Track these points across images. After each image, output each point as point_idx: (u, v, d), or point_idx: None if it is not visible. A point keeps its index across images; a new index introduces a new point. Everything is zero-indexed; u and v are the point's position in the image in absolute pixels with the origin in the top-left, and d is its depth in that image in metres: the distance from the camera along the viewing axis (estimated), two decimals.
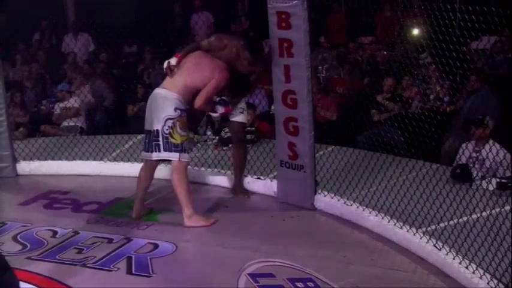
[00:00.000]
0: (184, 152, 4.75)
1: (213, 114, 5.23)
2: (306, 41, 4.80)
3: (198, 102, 4.79)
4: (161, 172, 5.68)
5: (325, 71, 8.40)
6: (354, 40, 8.74)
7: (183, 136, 4.71)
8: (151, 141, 4.75)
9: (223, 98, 5.04)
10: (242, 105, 5.28)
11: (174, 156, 4.69)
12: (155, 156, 4.76)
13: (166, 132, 4.66)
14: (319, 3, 4.88)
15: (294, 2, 4.70)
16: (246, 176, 5.61)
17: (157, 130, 4.69)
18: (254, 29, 9.14)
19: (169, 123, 4.66)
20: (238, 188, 5.46)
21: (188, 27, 10.28)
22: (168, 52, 9.15)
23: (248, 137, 6.53)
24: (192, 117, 5.11)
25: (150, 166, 4.93)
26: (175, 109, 4.69)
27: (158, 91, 4.81)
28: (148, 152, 4.82)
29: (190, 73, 4.81)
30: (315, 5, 4.77)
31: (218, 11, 10.41)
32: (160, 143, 4.69)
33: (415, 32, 7.46)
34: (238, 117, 5.26)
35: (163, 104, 4.70)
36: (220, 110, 5.02)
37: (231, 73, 4.89)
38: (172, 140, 4.68)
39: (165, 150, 4.70)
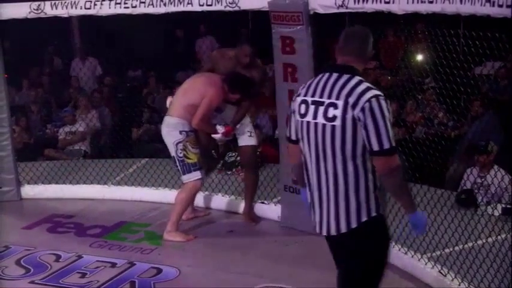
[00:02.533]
0: (199, 170, 4.88)
1: (216, 136, 5.11)
2: (311, 66, 4.82)
3: (194, 120, 4.85)
4: (165, 197, 5.70)
5: None
6: None
7: (197, 154, 4.87)
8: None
9: (225, 122, 5.06)
10: (249, 128, 5.23)
11: (196, 175, 4.87)
12: (184, 179, 4.95)
13: (181, 155, 4.83)
14: (323, 28, 4.89)
15: (299, 27, 4.73)
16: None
17: (173, 157, 4.90)
18: (257, 54, 9.22)
19: (180, 146, 4.83)
20: (247, 213, 5.37)
21: (193, 52, 10.36)
22: (171, 77, 9.30)
23: None
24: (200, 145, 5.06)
25: None
26: (181, 132, 4.85)
27: (164, 119, 5.00)
28: None
29: (184, 93, 4.97)
30: (319, 30, 4.80)
31: (222, 36, 10.51)
32: (179, 168, 4.89)
33: (419, 57, 7.50)
34: (248, 141, 5.20)
35: (169, 130, 4.89)
36: (221, 129, 4.99)
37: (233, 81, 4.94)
38: (189, 160, 4.84)
39: (183, 173, 4.89)
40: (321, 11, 4.65)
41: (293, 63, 4.86)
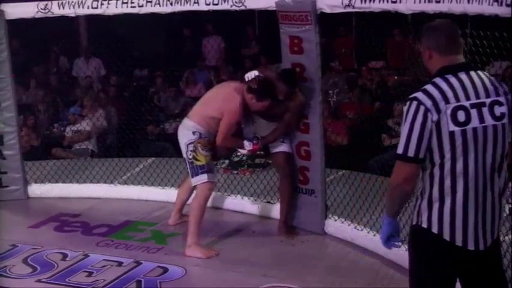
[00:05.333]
0: (212, 172, 4.74)
1: (241, 151, 5.02)
2: (318, 65, 4.82)
3: (218, 140, 4.73)
4: (172, 196, 5.70)
5: (335, 96, 8.42)
6: (364, 64, 8.78)
7: (207, 156, 4.70)
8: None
9: (256, 136, 4.91)
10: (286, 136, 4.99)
11: (202, 178, 4.68)
12: (193, 182, 4.79)
13: (190, 157, 4.70)
14: (327, 27, 4.88)
15: (307, 27, 4.72)
16: (255, 200, 5.60)
17: (184, 158, 4.79)
18: (264, 54, 9.23)
19: (191, 147, 4.70)
20: (282, 226, 5.08)
21: (199, 51, 10.37)
22: (178, 76, 9.32)
23: (258, 161, 6.54)
24: (219, 152, 4.96)
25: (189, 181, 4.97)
26: (194, 132, 4.72)
27: (183, 121, 4.91)
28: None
29: (206, 103, 4.85)
30: (323, 29, 4.79)
31: (229, 35, 10.51)
32: (189, 170, 4.75)
33: None
34: (280, 147, 4.98)
35: (183, 132, 4.79)
36: (248, 146, 4.86)
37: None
38: (198, 162, 4.69)
39: (192, 176, 4.72)
40: (327, 10, 4.64)
41: (301, 63, 4.85)
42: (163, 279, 4.36)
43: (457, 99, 2.59)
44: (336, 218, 5.06)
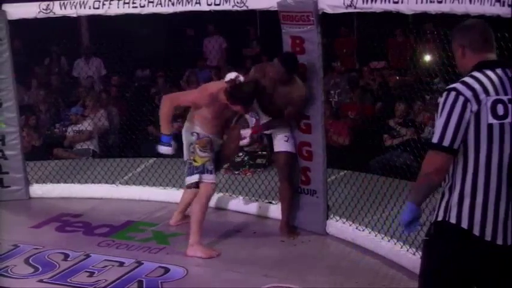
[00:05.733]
0: (208, 173, 4.69)
1: (243, 142, 4.85)
2: (320, 65, 4.83)
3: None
4: (173, 197, 5.70)
5: (337, 96, 8.42)
6: (365, 64, 8.77)
7: (204, 157, 4.68)
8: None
9: (255, 117, 4.79)
10: (286, 131, 4.94)
11: (195, 178, 4.68)
12: (186, 181, 4.81)
13: (190, 159, 4.72)
14: (328, 28, 4.87)
15: (308, 27, 4.73)
16: (256, 200, 5.61)
17: (186, 160, 4.81)
18: (266, 54, 9.22)
19: (191, 148, 4.72)
20: (284, 228, 5.05)
21: (201, 51, 10.37)
22: (180, 76, 9.31)
23: (259, 161, 6.54)
24: (223, 157, 4.96)
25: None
26: (192, 133, 4.74)
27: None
28: None
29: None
30: (324, 30, 4.79)
31: (230, 35, 10.50)
32: (186, 169, 4.78)
33: (428, 57, 7.47)
34: (283, 147, 4.92)
35: (184, 134, 4.82)
36: (246, 133, 4.77)
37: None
38: (195, 163, 4.69)
39: (188, 175, 4.74)
40: (329, 10, 4.64)
41: (303, 63, 4.85)
42: (165, 280, 4.36)
43: (497, 92, 2.60)
44: (338, 218, 5.05)
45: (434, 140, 2.61)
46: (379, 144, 6.59)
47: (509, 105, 2.60)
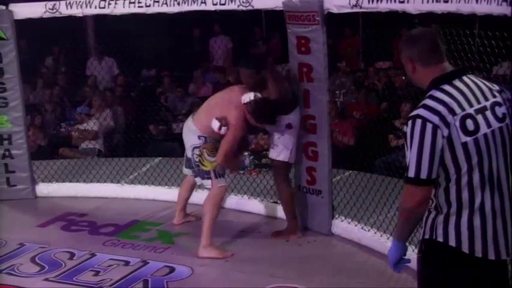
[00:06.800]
0: (220, 177, 4.69)
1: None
2: (325, 65, 4.82)
3: (218, 159, 4.60)
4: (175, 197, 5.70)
5: (342, 96, 8.42)
6: (371, 65, 8.77)
7: (213, 162, 4.65)
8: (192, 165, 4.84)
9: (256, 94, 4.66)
10: (285, 141, 4.86)
11: (207, 183, 4.72)
12: (198, 181, 4.88)
13: (197, 160, 4.70)
14: (333, 28, 4.87)
15: (314, 27, 4.72)
16: (262, 200, 5.60)
17: (189, 157, 4.81)
18: (271, 54, 9.23)
19: (197, 151, 4.70)
20: (289, 226, 5.03)
21: (207, 51, 10.38)
22: (185, 76, 9.32)
23: (264, 161, 6.54)
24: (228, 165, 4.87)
25: (190, 179, 5.13)
26: (199, 137, 4.71)
27: (188, 119, 4.89)
28: (187, 168, 5.01)
29: (208, 110, 4.79)
30: (329, 30, 4.78)
31: (236, 35, 10.51)
32: (195, 170, 4.78)
33: None
34: (280, 155, 4.87)
35: (188, 134, 4.79)
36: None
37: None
38: (204, 168, 4.68)
39: (197, 176, 4.79)
40: (335, 10, 4.64)
41: (308, 63, 4.85)
42: (170, 279, 4.37)
43: (462, 108, 2.47)
44: (343, 218, 5.05)
45: (411, 174, 2.49)
46: (384, 144, 6.58)
47: (478, 117, 2.49)
